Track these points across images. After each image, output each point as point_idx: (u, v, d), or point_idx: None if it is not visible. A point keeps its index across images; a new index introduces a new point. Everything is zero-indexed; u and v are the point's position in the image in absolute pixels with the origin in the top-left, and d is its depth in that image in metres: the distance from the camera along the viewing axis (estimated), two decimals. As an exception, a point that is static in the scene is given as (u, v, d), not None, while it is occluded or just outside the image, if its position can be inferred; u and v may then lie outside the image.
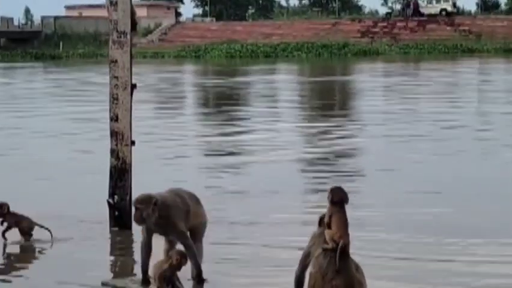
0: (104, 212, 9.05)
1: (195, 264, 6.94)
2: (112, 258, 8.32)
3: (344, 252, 5.64)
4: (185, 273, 6.98)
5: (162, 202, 6.74)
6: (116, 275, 7.63)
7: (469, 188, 11.42)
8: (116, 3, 9.08)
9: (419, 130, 17.91)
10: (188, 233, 6.98)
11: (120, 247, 8.61)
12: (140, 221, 6.68)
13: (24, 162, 14.37)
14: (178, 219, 6.82)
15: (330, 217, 5.71)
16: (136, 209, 6.68)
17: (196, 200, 7.15)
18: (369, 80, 36.25)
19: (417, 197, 10.80)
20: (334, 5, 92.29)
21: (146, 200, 6.68)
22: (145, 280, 6.98)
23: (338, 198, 5.73)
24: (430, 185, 11.53)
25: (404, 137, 16.86)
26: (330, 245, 5.66)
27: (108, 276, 7.59)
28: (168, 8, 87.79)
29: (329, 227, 5.70)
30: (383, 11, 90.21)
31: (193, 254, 6.86)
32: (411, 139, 16.57)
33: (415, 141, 16.28)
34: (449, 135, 16.93)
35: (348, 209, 5.77)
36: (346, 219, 5.72)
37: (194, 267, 6.97)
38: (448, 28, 68.39)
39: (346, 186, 6.03)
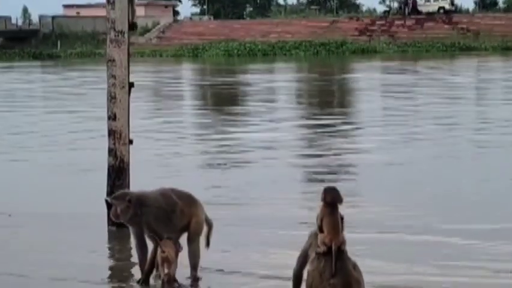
0: (102, 211, 9.03)
1: (145, 266, 7.00)
2: (110, 257, 8.31)
3: (339, 251, 5.63)
4: (185, 273, 7.02)
5: (138, 200, 6.81)
6: (114, 274, 7.62)
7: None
8: (114, 2, 9.08)
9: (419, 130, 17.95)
10: (179, 234, 6.99)
11: (118, 247, 8.59)
12: (115, 216, 6.86)
13: (22, 162, 14.37)
14: (152, 219, 6.84)
15: (321, 220, 5.69)
16: (113, 204, 6.85)
17: (189, 200, 7.08)
18: (367, 78, 36.25)
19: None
20: (332, 3, 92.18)
21: (121, 197, 6.87)
22: (145, 280, 7.00)
23: (331, 199, 5.70)
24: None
25: (404, 139, 16.88)
26: (321, 249, 5.65)
27: (105, 276, 7.60)
28: (166, 7, 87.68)
29: (321, 230, 5.68)
30: (380, 9, 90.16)
31: (151, 257, 6.89)
32: (412, 141, 16.59)
33: (416, 143, 16.30)
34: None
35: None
36: (337, 221, 5.67)
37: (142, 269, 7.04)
38: (446, 26, 68.30)
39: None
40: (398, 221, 9.27)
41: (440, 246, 8.18)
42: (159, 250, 6.76)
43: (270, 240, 8.52)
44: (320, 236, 5.66)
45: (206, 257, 7.20)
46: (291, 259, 6.01)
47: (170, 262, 6.75)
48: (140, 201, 6.83)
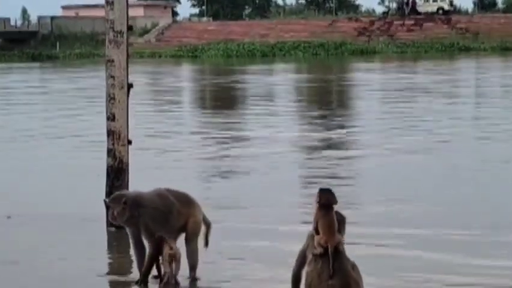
0: (101, 212, 9.02)
1: (143, 267, 6.96)
2: (109, 259, 8.30)
3: (336, 252, 5.62)
4: (185, 272, 7.02)
5: (134, 201, 6.79)
6: (114, 275, 7.62)
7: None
8: (113, 2, 9.10)
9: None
10: (177, 234, 6.99)
11: (118, 248, 8.58)
12: (112, 218, 6.85)
13: (22, 162, 14.37)
14: (149, 220, 6.82)
15: (317, 221, 5.69)
16: (109, 207, 6.83)
17: (187, 200, 7.08)
18: (367, 79, 36.28)
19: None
20: (331, 4, 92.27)
21: (117, 199, 6.83)
22: (143, 280, 7.00)
23: (325, 201, 5.69)
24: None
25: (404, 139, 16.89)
26: (318, 251, 5.65)
27: (103, 277, 7.59)
28: (165, 8, 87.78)
29: (317, 231, 5.68)
30: (379, 10, 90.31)
31: (149, 258, 6.88)
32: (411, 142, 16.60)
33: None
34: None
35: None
36: (333, 222, 5.66)
37: (140, 270, 7.02)
38: (445, 27, 68.35)
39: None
40: (391, 230, 9.02)
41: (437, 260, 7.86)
42: (166, 247, 6.75)
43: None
44: (316, 238, 5.66)
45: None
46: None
47: (178, 259, 6.76)
48: (136, 203, 6.81)
